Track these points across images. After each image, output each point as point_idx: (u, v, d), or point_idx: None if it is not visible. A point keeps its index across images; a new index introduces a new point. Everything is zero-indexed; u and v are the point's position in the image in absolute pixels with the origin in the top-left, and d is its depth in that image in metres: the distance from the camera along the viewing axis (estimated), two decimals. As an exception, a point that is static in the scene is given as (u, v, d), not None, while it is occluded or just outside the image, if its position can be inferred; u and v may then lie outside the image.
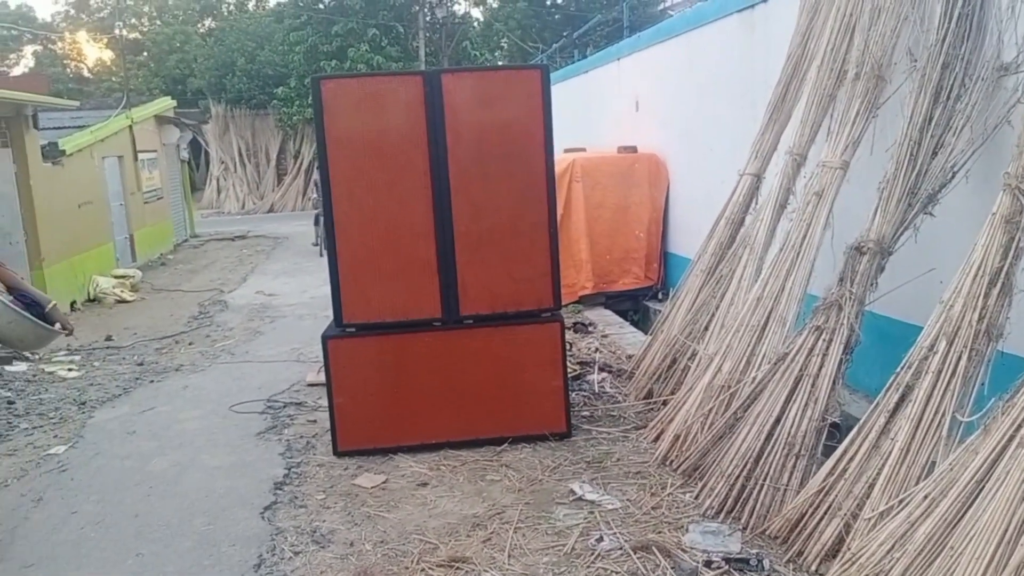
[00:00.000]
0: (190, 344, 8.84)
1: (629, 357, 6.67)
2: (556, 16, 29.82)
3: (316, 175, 11.65)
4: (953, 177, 4.12)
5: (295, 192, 28.74)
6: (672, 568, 3.49)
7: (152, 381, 7.30)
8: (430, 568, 3.62)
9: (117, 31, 30.58)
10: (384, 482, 4.63)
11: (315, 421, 5.78)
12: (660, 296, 8.91)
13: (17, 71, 39.13)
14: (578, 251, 8.87)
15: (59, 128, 13.91)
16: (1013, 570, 2.69)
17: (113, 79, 37.25)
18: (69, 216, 11.76)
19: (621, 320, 8.40)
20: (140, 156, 16.00)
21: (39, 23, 38.88)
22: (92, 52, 40.40)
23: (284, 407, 6.17)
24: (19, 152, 10.65)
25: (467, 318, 5.10)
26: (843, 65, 4.97)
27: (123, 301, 12.05)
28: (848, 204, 4.64)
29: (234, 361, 7.86)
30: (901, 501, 3.19)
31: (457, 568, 3.60)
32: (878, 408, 3.57)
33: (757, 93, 6.59)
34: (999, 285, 3.42)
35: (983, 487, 2.93)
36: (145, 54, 35.87)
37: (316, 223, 14.91)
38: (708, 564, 3.49)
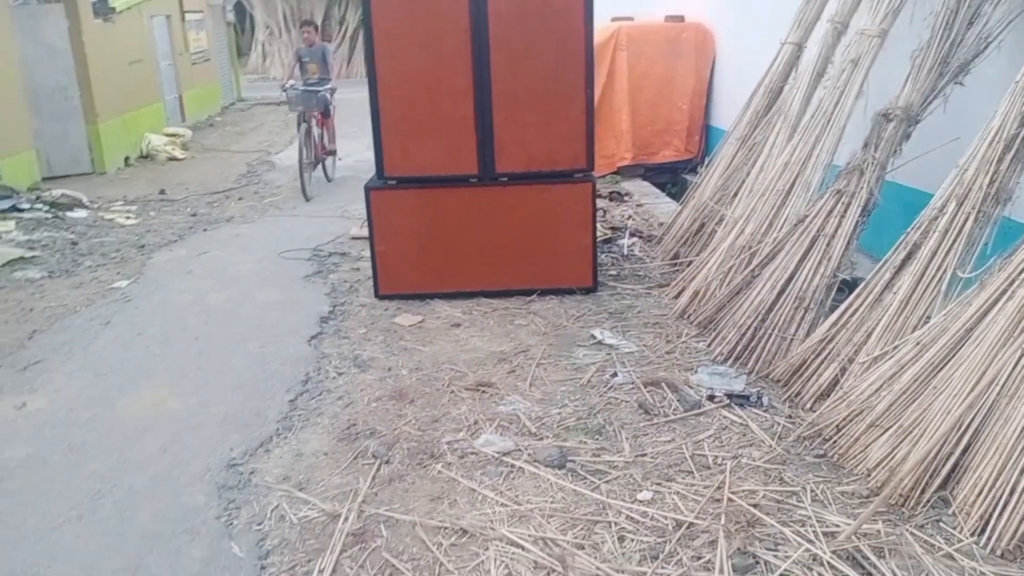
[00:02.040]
0: (239, 199, 9.19)
1: (661, 225, 6.87)
2: None
3: (299, 46, 9.88)
4: (987, 47, 4.15)
5: (339, 59, 28.48)
6: (677, 400, 3.81)
7: (205, 230, 7.69)
8: (459, 391, 4.00)
9: None
10: (421, 322, 5.00)
11: (358, 269, 6.13)
12: (699, 170, 8.96)
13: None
14: (619, 121, 8.92)
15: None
16: (987, 403, 2.95)
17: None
18: (121, 73, 11.99)
19: (658, 191, 8.54)
20: (187, 16, 16.02)
21: None
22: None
23: (329, 256, 6.53)
24: (71, 7, 10.79)
25: (502, 175, 5.32)
26: (893, -70, 4.89)
27: (174, 159, 12.41)
28: (885, 72, 4.68)
29: (282, 215, 8.21)
30: (895, 347, 3.44)
31: (483, 391, 3.98)
32: (885, 264, 3.77)
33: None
34: (1013, 151, 3.53)
35: (971, 335, 3.16)
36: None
37: (300, 126, 8.91)
38: (711, 398, 3.81)
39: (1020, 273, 3.12)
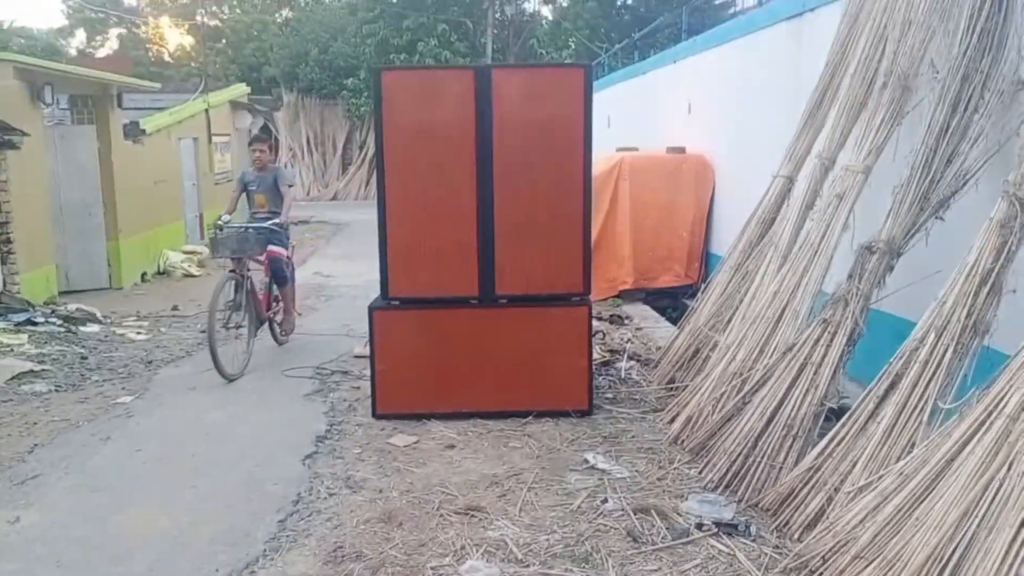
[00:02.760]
0: (249, 316, 9.38)
1: (659, 349, 6.96)
2: (625, 17, 29.93)
3: (245, 169, 7.85)
4: (965, 184, 4.33)
5: (359, 181, 29.50)
6: (667, 528, 3.80)
7: (213, 346, 7.83)
8: (448, 514, 4.01)
9: (199, 18, 31.71)
10: (416, 442, 5.04)
11: (358, 388, 6.21)
12: (699, 295, 9.13)
13: (102, 53, 40.85)
14: (621, 247, 9.16)
15: (139, 108, 14.72)
16: (967, 535, 2.95)
17: (192, 64, 38.62)
18: (145, 192, 12.48)
19: (657, 315, 8.68)
20: (214, 139, 16.77)
21: (125, 7, 40.46)
22: (173, 37, 41.91)
23: (331, 374, 6.63)
24: (103, 129, 11.39)
25: (502, 297, 5.48)
26: (874, 74, 5.19)
27: (190, 275, 12.74)
28: (870, 207, 4.86)
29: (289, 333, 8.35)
30: (879, 478, 3.46)
31: (472, 515, 3.98)
32: (870, 394, 3.83)
33: (799, 100, 6.80)
34: (989, 285, 3.64)
35: (951, 466, 3.18)
36: (224, 41, 37.08)
37: (226, 282, 6.72)
38: (700, 526, 3.80)
39: (997, 404, 3.17)
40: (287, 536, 3.83)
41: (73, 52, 40.53)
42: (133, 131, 12.49)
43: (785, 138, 6.39)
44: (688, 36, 13.11)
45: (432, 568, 3.48)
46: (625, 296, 9.08)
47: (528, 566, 3.50)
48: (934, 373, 3.62)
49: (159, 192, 13.23)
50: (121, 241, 11.45)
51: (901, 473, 3.35)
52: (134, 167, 12.03)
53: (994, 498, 2.96)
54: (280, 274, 7.32)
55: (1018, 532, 2.83)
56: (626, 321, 8.15)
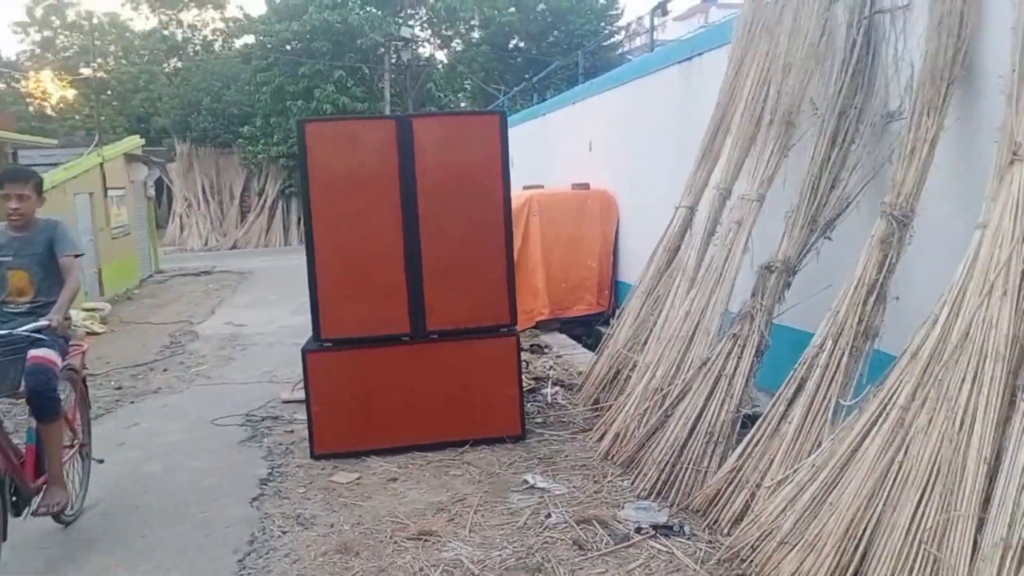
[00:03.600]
0: (164, 370, 9.25)
1: (580, 373, 7.31)
2: (518, 59, 30.87)
3: None
4: (847, 207, 4.85)
5: (259, 229, 29.16)
6: (608, 535, 4.10)
7: (132, 402, 7.73)
8: (402, 541, 4.19)
9: (89, 71, 30.92)
10: (358, 479, 5.19)
11: (292, 431, 6.30)
12: (611, 321, 9.57)
13: (-22, 108, 39.15)
14: (535, 280, 9.54)
15: (30, 166, 14.31)
16: (875, 514, 3.35)
17: (76, 117, 37.49)
18: (43, 249, 12.12)
19: (575, 343, 9.06)
20: (109, 193, 16.40)
21: (3, 61, 39.02)
22: (56, 90, 40.61)
23: (262, 420, 6.68)
24: (-2, 187, 11.06)
25: (432, 333, 5.71)
26: (761, 112, 5.73)
27: (93, 333, 12.37)
28: (765, 231, 5.36)
29: (210, 384, 8.32)
30: (794, 471, 3.85)
31: (425, 540, 4.18)
32: (779, 398, 4.25)
33: (694, 136, 7.35)
34: (875, 294, 4.14)
35: (855, 455, 3.60)
36: (109, 92, 36.19)
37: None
38: (639, 530, 4.12)
39: (891, 397, 3.61)
40: (248, 574, 3.93)
41: (-55, 108, 38.75)
42: (29, 188, 12.14)
43: (682, 172, 6.90)
44: (585, 78, 13.76)
45: (395, 590, 3.66)
46: (542, 327, 9.44)
47: (485, 580, 3.73)
48: (834, 375, 4.07)
49: (57, 249, 12.85)
50: (21, 301, 11.08)
51: (813, 465, 3.76)
52: (31, 225, 11.68)
53: (895, 479, 3.39)
54: (45, 398, 4.20)
55: (917, 507, 3.25)
56: (546, 350, 8.50)
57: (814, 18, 5.30)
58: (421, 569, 3.86)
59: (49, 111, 39.61)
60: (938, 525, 3.15)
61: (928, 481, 3.25)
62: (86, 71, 36.12)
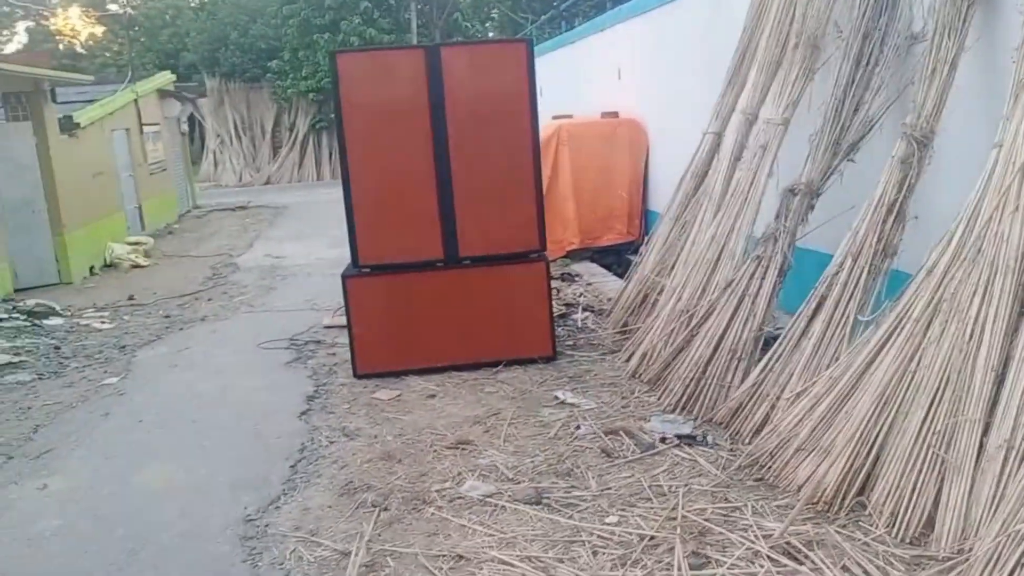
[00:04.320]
0: (209, 300, 9.62)
1: (609, 300, 7.52)
2: (545, -13, 30.32)
3: None
4: (870, 130, 4.94)
5: (291, 164, 29.37)
6: (635, 444, 4.36)
7: (181, 329, 8.11)
8: (441, 449, 4.49)
9: (117, 7, 30.96)
10: (398, 396, 5.49)
11: (334, 354, 6.62)
12: (641, 250, 9.72)
13: (11, 47, 39.49)
14: (565, 210, 9.68)
15: (66, 103, 14.59)
16: (888, 421, 3.56)
17: (106, 54, 37.65)
18: (85, 186, 12.48)
19: (605, 271, 9.24)
20: (145, 129, 16.68)
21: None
22: (84, 28, 40.70)
23: (306, 344, 7.01)
24: (38, 125, 11.36)
25: (465, 259, 5.94)
26: (787, 36, 5.76)
27: (138, 266, 12.79)
28: (790, 154, 5.45)
29: (254, 311, 8.68)
30: (812, 383, 4.06)
31: (462, 448, 4.47)
32: (800, 315, 4.43)
33: (722, 62, 7.36)
34: (895, 214, 4.27)
35: (871, 367, 3.79)
36: (137, 28, 36.20)
37: None
38: (664, 440, 4.37)
39: (906, 312, 3.78)
40: (300, 477, 4.27)
41: (-23, 47, 39.12)
42: (68, 125, 12.43)
43: (710, 98, 6.95)
44: (613, 5, 13.61)
45: (436, 491, 3.97)
46: (573, 256, 9.62)
47: (519, 482, 4.01)
48: (853, 292, 4.24)
49: (98, 185, 13.22)
50: (67, 235, 11.46)
51: (830, 377, 3.95)
52: (72, 161, 12.02)
53: (908, 387, 3.58)
54: None
55: (927, 411, 3.45)
56: (576, 278, 8.70)
57: (841, -61, 5.29)
58: (459, 473, 4.16)
59: (79, 48, 39.75)
60: (947, 429, 3.35)
61: (938, 388, 3.44)
62: (113, 7, 36.18)
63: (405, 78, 5.80)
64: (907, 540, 3.25)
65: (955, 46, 4.30)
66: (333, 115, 5.91)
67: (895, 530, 3.31)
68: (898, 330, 3.79)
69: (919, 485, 3.32)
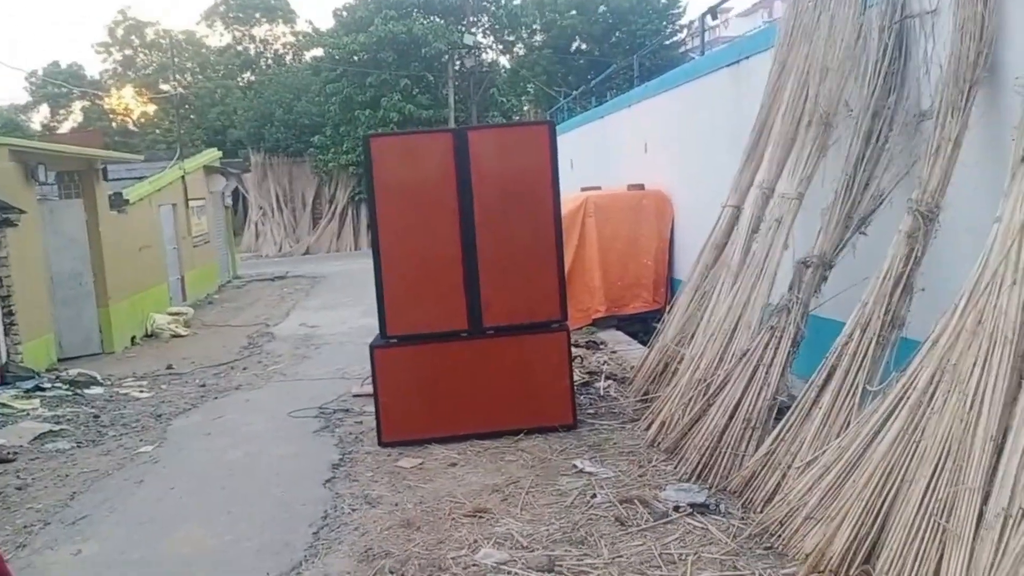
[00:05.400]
0: (244, 369, 9.89)
1: (632, 368, 7.61)
2: (580, 61, 31.19)
3: None
4: (880, 204, 5.07)
5: (330, 234, 30.14)
6: (648, 512, 4.42)
7: (216, 398, 8.35)
8: (459, 518, 4.59)
9: (168, 87, 32.40)
10: (421, 463, 5.61)
11: (361, 422, 6.78)
12: (664, 319, 9.83)
13: (66, 126, 41.35)
14: (592, 279, 9.87)
15: (116, 179, 15.26)
16: (892, 490, 3.60)
17: (157, 131, 39.25)
18: (131, 259, 12.98)
19: (630, 339, 9.35)
20: (190, 203, 17.33)
21: (88, 80, 41.09)
22: (136, 106, 42.54)
23: (334, 412, 7.19)
24: (89, 201, 11.91)
25: (489, 329, 6.11)
26: (801, 114, 5.95)
27: (177, 336, 13.18)
28: (804, 227, 5.59)
29: (286, 380, 8.91)
30: (822, 452, 4.11)
31: (480, 517, 4.57)
32: (811, 385, 4.50)
33: (744, 136, 7.58)
34: (901, 286, 4.36)
35: (877, 436, 3.85)
36: (187, 107, 37.81)
37: None
38: (677, 509, 4.42)
39: (912, 382, 3.85)
40: (322, 544, 4.39)
41: (36, 126, 41.03)
42: (118, 202, 13.00)
43: (732, 171, 7.14)
44: (641, 81, 14.01)
45: (452, 558, 4.06)
46: (599, 324, 9.76)
47: (533, 550, 4.09)
48: (862, 363, 4.31)
49: (143, 258, 13.72)
50: (111, 307, 11.88)
51: (839, 447, 4.01)
52: (120, 235, 12.53)
53: (912, 456, 3.63)
54: None
55: (930, 480, 3.50)
56: (601, 346, 8.81)
57: (849, 23, 5.52)
58: (475, 540, 4.25)
59: (131, 126, 41.49)
60: (948, 498, 3.39)
61: (940, 457, 3.49)
62: (165, 87, 37.82)
63: (434, 160, 6.10)
64: (913, 610, 3.26)
65: (959, 124, 4.45)
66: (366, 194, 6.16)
67: (901, 600, 3.33)
68: (903, 400, 3.85)
69: (921, 553, 3.35)
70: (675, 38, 29.39)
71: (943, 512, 3.35)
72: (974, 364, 3.52)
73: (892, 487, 3.62)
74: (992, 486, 3.23)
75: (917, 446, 3.62)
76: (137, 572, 4.23)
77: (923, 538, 3.36)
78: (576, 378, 6.55)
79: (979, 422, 3.39)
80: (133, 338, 12.58)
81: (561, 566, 3.89)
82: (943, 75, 4.58)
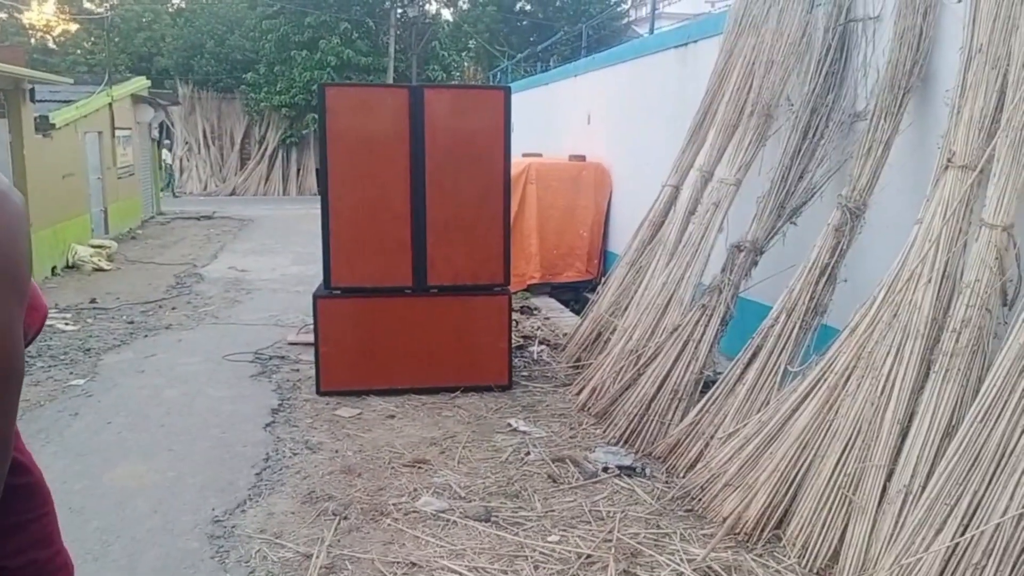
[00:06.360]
0: (174, 309, 9.78)
1: (565, 335, 7.90)
2: (523, 23, 31.08)
3: None
4: (812, 197, 5.41)
5: (258, 177, 29.49)
6: (579, 472, 4.71)
7: (146, 336, 8.28)
8: (398, 467, 4.79)
9: (93, 5, 30.86)
10: (359, 414, 5.77)
11: (298, 370, 6.88)
12: (598, 288, 10.14)
13: (-19, 39, 38.97)
14: (529, 245, 10.08)
15: (40, 101, 14.65)
16: (806, 463, 3.96)
17: (78, 51, 37.40)
18: (54, 186, 12.57)
19: (562, 307, 9.63)
20: (117, 133, 16.78)
21: (6, -9, 38.73)
22: (58, 24, 40.39)
23: (270, 359, 7.26)
24: (15, 123, 11.45)
25: (433, 287, 6.27)
26: (744, 103, 6.24)
27: (100, 269, 12.86)
28: (739, 213, 5.91)
29: (219, 323, 8.88)
30: (743, 425, 4.45)
31: (419, 467, 4.77)
32: (736, 362, 4.84)
33: (686, 118, 7.85)
34: (826, 276, 4.71)
35: (795, 413, 4.20)
36: (113, 29, 36.07)
37: None
38: (606, 470, 4.72)
39: (829, 366, 4.20)
40: (265, 484, 4.53)
41: (-54, 36, 38.57)
42: (43, 125, 12.53)
43: (672, 151, 7.42)
44: (588, 52, 14.16)
45: (393, 504, 4.26)
46: (533, 290, 10.01)
47: (471, 501, 4.33)
48: (785, 345, 4.66)
49: (67, 186, 13.29)
50: (33, 235, 11.53)
51: (759, 421, 4.35)
52: (44, 161, 12.11)
53: (826, 434, 3.99)
54: None
55: (840, 456, 3.86)
56: (535, 312, 9.07)
57: (796, 20, 5.81)
58: (415, 489, 4.46)
59: (51, 44, 39.43)
60: (856, 473, 3.76)
61: (851, 436, 3.85)
62: (89, 5, 36.04)
63: (388, 114, 6.15)
64: (815, 570, 3.63)
65: (890, 128, 4.79)
66: (317, 142, 6.19)
67: (805, 561, 3.69)
68: (821, 382, 4.21)
69: (828, 522, 3.72)
70: (619, 7, 29.53)
71: (851, 486, 3.72)
72: (887, 353, 3.88)
73: (806, 460, 3.97)
74: (896, 465, 3.60)
75: (831, 424, 3.98)
76: (82, 501, 4.29)
77: (831, 508, 3.73)
78: (512, 341, 6.76)
79: (888, 406, 3.75)
80: (54, 268, 12.25)
81: (497, 516, 4.14)
82: (880, 79, 4.91)
